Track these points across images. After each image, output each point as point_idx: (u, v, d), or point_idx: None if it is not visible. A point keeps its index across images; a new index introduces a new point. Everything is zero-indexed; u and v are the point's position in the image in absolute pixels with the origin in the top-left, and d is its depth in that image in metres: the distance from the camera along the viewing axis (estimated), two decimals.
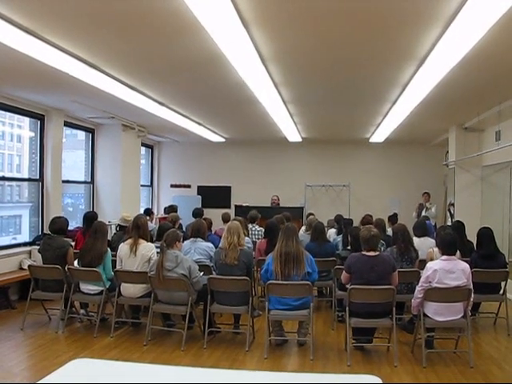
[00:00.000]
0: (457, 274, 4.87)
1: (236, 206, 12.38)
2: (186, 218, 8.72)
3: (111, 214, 9.64)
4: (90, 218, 6.99)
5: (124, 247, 5.86)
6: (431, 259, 5.59)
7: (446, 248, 5.02)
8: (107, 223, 8.89)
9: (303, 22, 4.24)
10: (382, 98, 7.16)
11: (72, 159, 10.28)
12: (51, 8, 3.97)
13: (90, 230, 6.21)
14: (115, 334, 5.69)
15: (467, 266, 5.02)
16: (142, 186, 12.00)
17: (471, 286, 4.93)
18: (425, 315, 4.94)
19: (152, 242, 6.25)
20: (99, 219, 6.98)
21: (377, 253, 5.14)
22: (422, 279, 5.03)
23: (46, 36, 4.60)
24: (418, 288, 5.04)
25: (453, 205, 9.77)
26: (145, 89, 6.87)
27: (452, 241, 5.07)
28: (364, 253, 5.14)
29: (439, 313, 4.90)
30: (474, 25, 3.99)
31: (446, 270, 4.87)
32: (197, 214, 8.13)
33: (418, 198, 11.48)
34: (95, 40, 4.80)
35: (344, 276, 5.27)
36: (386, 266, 5.06)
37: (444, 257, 4.98)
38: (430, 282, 4.89)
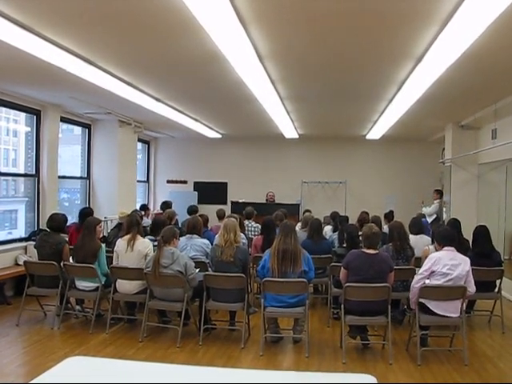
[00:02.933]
0: (459, 261, 4.95)
1: (232, 203, 12.38)
2: (182, 214, 8.71)
3: (107, 210, 9.64)
4: (86, 214, 6.96)
5: (121, 242, 5.86)
6: (426, 257, 5.61)
7: (445, 241, 5.12)
8: (103, 219, 8.90)
9: (300, 20, 4.23)
10: (378, 95, 7.15)
11: (68, 154, 10.25)
12: (48, 4, 3.95)
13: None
14: (111, 331, 5.70)
15: (466, 257, 5.10)
16: (138, 181, 11.98)
17: (471, 277, 4.98)
18: (421, 311, 4.96)
19: (146, 235, 6.25)
20: (95, 215, 6.97)
21: (376, 251, 5.16)
22: (422, 268, 5.06)
23: (43, 32, 4.57)
24: (417, 277, 5.07)
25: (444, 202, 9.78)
26: (142, 85, 6.85)
27: (450, 235, 5.22)
28: (364, 250, 5.16)
29: (440, 307, 4.92)
30: (471, 24, 3.98)
31: (449, 257, 4.97)
32: (191, 211, 8.12)
33: (415, 195, 11.52)
34: (92, 36, 4.78)
35: (342, 272, 5.27)
36: (383, 265, 5.08)
37: (445, 248, 5.06)
38: (432, 272, 4.94)
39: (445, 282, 4.90)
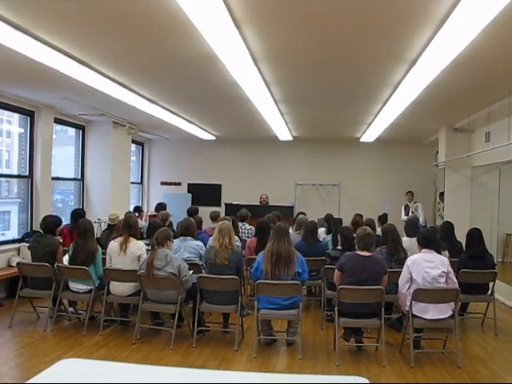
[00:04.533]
0: (436, 263, 5.02)
1: (226, 204, 12.37)
2: (175, 216, 8.69)
3: (101, 211, 9.61)
4: (78, 215, 6.94)
5: (113, 244, 5.84)
6: None
7: (424, 242, 5.22)
8: (97, 220, 8.90)
9: (295, 22, 4.24)
10: (373, 97, 7.17)
11: (62, 155, 10.22)
12: (42, 5, 3.94)
13: (76, 228, 6.15)
14: (104, 333, 5.67)
15: (445, 258, 5.20)
16: (132, 183, 11.96)
17: (454, 278, 5.04)
18: (413, 315, 4.97)
19: (142, 239, 6.23)
20: (89, 216, 6.94)
21: (371, 253, 5.17)
22: (402, 272, 5.13)
23: (37, 33, 4.57)
24: (400, 283, 5.13)
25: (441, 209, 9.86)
26: (136, 87, 6.84)
27: (429, 235, 5.29)
28: (358, 252, 5.17)
29: (425, 310, 4.93)
30: (464, 27, 4.01)
31: (424, 259, 5.05)
32: (191, 212, 8.11)
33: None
34: (86, 38, 4.77)
35: (336, 274, 5.27)
36: (378, 267, 5.09)
37: (423, 249, 5.16)
38: (411, 273, 5.01)
39: (424, 284, 4.94)
